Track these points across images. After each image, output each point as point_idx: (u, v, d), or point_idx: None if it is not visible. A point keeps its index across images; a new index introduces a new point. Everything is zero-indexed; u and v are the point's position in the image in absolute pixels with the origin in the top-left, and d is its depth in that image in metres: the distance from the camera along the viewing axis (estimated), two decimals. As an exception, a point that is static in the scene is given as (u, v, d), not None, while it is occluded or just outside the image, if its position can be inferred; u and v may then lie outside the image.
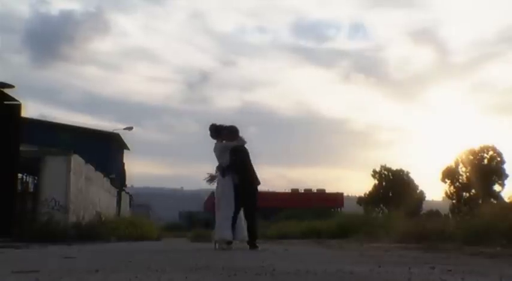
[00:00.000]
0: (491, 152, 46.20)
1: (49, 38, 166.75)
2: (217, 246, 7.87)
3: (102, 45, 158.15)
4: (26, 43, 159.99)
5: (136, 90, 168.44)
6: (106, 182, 22.20)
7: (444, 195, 46.65)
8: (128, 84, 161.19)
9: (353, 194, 57.06)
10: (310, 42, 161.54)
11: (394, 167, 51.34)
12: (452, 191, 45.79)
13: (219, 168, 7.83)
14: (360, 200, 49.81)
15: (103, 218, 18.24)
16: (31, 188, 17.52)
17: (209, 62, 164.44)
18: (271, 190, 62.17)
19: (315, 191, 58.15)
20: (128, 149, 32.27)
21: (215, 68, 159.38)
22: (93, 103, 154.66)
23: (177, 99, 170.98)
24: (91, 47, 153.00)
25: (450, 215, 25.79)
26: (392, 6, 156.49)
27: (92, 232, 14.59)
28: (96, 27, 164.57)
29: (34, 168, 15.32)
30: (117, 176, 27.50)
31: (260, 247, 7.84)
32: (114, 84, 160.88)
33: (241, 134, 8.11)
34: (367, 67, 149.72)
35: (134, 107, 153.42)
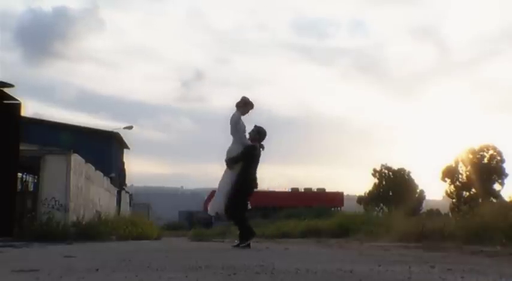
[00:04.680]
0: (491, 151, 46.26)
1: (43, 35, 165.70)
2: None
3: (97, 43, 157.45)
4: (19, 41, 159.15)
5: (133, 88, 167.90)
6: (106, 181, 22.20)
7: (444, 194, 46.77)
8: (125, 83, 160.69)
9: (353, 194, 57.10)
10: (310, 40, 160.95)
11: (394, 166, 51.51)
12: (452, 190, 45.84)
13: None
14: (360, 200, 49.87)
15: (103, 217, 18.24)
16: (31, 187, 17.53)
17: (207, 59, 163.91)
18: (271, 189, 62.33)
19: (315, 190, 58.11)
20: (128, 148, 32.30)
21: (213, 66, 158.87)
22: (89, 101, 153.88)
23: (175, 98, 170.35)
24: (86, 45, 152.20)
25: (450, 214, 25.80)
26: (393, 3, 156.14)
27: (92, 231, 14.57)
28: (91, 24, 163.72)
29: (34, 167, 15.32)
30: (117, 175, 27.50)
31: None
32: (110, 83, 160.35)
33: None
34: (368, 65, 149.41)
35: (131, 105, 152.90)
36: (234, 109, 7.69)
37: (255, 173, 7.80)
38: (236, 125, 7.60)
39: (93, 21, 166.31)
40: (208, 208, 7.92)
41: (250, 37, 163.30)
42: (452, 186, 45.93)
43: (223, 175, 7.68)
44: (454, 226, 9.87)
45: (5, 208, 9.98)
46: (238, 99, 7.73)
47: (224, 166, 7.70)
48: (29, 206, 15.70)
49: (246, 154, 7.60)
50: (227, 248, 7.84)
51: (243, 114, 7.72)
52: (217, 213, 7.77)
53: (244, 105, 7.71)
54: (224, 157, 7.72)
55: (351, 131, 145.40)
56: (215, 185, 8.06)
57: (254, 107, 7.81)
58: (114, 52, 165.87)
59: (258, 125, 7.87)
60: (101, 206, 19.99)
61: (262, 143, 7.86)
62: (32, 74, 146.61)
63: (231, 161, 7.58)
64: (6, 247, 7.94)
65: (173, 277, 3.11)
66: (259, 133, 7.79)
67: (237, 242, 7.73)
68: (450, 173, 46.10)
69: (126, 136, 30.46)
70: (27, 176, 17.51)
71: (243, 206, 7.71)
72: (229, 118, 7.63)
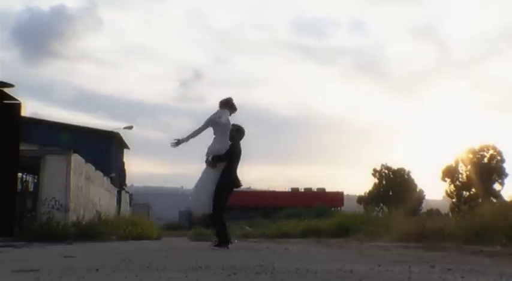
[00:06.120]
0: (491, 151, 46.28)
1: (41, 35, 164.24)
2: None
3: (96, 42, 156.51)
4: (16, 40, 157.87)
5: (132, 88, 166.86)
6: (106, 181, 22.20)
7: (444, 194, 46.79)
8: (124, 82, 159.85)
9: (353, 193, 57.10)
10: (310, 40, 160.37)
11: (394, 166, 51.55)
12: (452, 190, 45.86)
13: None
14: (360, 199, 49.89)
15: (103, 217, 18.24)
16: (31, 187, 17.53)
17: (206, 59, 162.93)
18: (271, 189, 62.37)
19: (315, 190, 58.21)
20: (128, 148, 32.28)
21: (212, 66, 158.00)
22: (88, 101, 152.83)
23: (174, 97, 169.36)
24: (85, 44, 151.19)
25: (450, 214, 25.81)
26: (393, 3, 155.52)
27: (92, 231, 14.57)
28: (90, 23, 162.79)
29: (34, 167, 15.32)
30: (117, 175, 27.49)
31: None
32: (109, 82, 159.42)
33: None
34: (368, 65, 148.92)
35: (130, 105, 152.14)
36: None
37: (236, 171, 7.73)
38: (215, 120, 7.54)
39: (92, 20, 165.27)
40: (194, 209, 7.82)
41: (249, 37, 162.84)
42: (452, 186, 45.95)
43: (205, 174, 7.55)
44: (454, 226, 9.87)
45: (5, 208, 9.98)
46: (225, 99, 7.76)
47: (204, 165, 7.61)
48: (29, 206, 15.71)
49: (231, 152, 7.58)
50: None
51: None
52: (203, 214, 7.74)
53: (224, 105, 7.71)
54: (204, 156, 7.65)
55: (351, 131, 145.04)
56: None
57: (236, 112, 7.81)
58: (113, 52, 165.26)
59: (236, 124, 7.81)
60: (101, 206, 19.99)
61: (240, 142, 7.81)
62: (29, 74, 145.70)
63: (217, 160, 7.52)
64: (6, 247, 7.94)
65: (173, 277, 3.11)
66: (238, 132, 7.74)
67: (215, 242, 7.69)
68: (450, 173, 46.11)
69: (126, 136, 30.45)
70: (27, 176, 17.51)
71: (224, 206, 7.58)
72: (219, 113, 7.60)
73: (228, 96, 7.85)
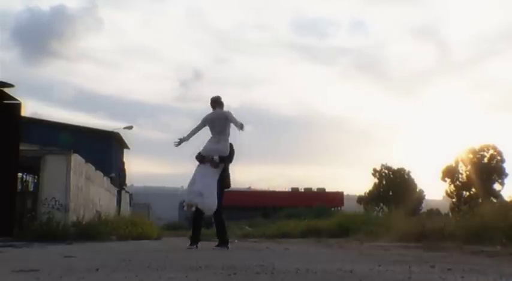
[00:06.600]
0: (491, 151, 46.28)
1: (41, 35, 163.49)
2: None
3: (96, 42, 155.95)
4: (16, 40, 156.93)
5: (132, 88, 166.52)
6: (106, 181, 22.20)
7: (444, 194, 46.79)
8: (124, 82, 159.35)
9: (353, 193, 57.14)
10: (310, 40, 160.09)
11: (394, 166, 51.58)
12: (452, 190, 45.85)
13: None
14: (360, 199, 49.90)
15: (103, 217, 18.23)
16: (31, 187, 17.53)
17: (206, 59, 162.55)
18: (271, 189, 62.41)
19: (315, 190, 58.27)
20: (128, 148, 32.30)
21: (212, 66, 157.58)
22: (87, 101, 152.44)
23: (173, 97, 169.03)
24: (85, 44, 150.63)
25: (450, 214, 25.81)
26: (393, 3, 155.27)
27: (92, 231, 14.57)
28: (90, 23, 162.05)
29: (34, 167, 15.32)
30: (117, 175, 27.50)
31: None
32: (109, 82, 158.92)
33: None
34: (368, 64, 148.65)
35: (130, 105, 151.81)
36: (227, 109, 7.75)
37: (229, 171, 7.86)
38: (238, 121, 7.39)
39: (92, 20, 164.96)
40: (205, 209, 7.66)
41: (249, 37, 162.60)
42: (452, 186, 45.94)
43: (206, 173, 7.43)
44: (454, 226, 9.89)
45: (5, 208, 9.99)
46: (217, 97, 7.80)
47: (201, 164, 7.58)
48: (29, 206, 15.71)
49: (233, 152, 7.68)
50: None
51: None
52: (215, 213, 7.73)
53: (219, 104, 7.75)
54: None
55: (351, 131, 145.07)
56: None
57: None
58: (113, 52, 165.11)
59: None
60: (101, 206, 19.99)
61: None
62: (29, 74, 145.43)
63: (222, 160, 7.52)
64: (6, 247, 7.94)
65: (173, 277, 3.11)
66: None
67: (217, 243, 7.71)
68: (450, 173, 46.11)
69: (126, 136, 30.46)
70: (27, 176, 17.51)
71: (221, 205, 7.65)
72: (227, 114, 7.54)
73: (216, 95, 7.87)
